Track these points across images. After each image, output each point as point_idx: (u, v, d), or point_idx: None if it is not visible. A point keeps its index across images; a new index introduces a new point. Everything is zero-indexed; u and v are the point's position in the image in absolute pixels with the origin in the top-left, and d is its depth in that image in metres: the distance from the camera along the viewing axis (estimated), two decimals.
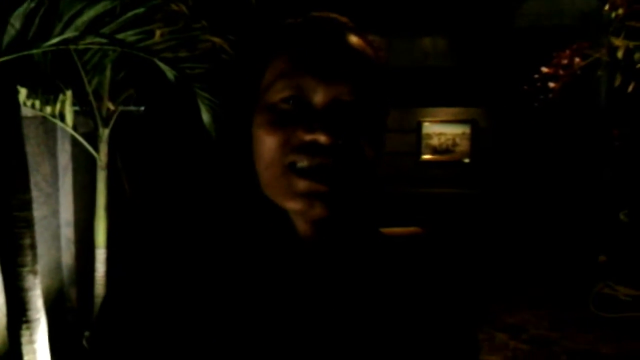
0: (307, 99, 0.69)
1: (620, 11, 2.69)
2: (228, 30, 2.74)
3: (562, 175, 6.50)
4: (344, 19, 0.76)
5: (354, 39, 0.73)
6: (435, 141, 8.30)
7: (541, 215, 6.86)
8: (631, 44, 2.68)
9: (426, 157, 8.28)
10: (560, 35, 4.22)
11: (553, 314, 5.04)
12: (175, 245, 0.77)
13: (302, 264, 0.74)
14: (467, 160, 8.17)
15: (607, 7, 2.77)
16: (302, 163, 0.68)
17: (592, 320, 4.70)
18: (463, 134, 8.22)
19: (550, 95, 3.18)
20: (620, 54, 2.75)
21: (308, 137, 0.67)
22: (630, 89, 2.94)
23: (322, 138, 0.66)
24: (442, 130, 8.29)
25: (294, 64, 0.69)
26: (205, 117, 2.67)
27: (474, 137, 8.15)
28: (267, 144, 0.70)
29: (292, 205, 0.70)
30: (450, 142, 8.29)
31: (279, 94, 0.69)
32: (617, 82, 2.97)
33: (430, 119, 8.25)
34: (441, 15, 7.04)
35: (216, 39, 2.68)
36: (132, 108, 3.72)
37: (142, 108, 3.90)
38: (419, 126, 8.26)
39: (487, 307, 4.96)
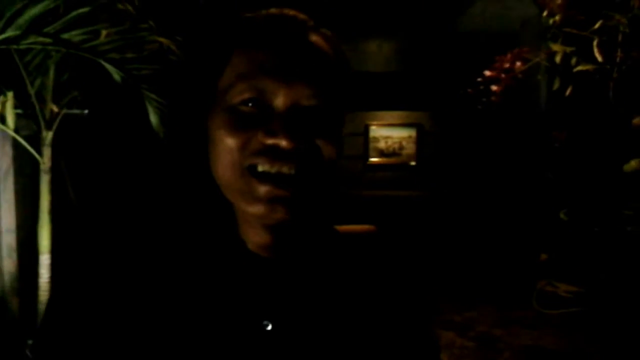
0: (268, 102, 0.68)
1: (557, 18, 2.80)
2: (175, 31, 2.72)
3: (505, 176, 6.68)
4: (304, 17, 0.75)
5: (315, 39, 0.73)
6: (382, 144, 8.38)
7: (485, 216, 7.04)
8: (568, 49, 2.79)
9: (373, 160, 8.35)
10: (503, 40, 4.34)
11: (498, 311, 5.18)
12: (121, 249, 0.76)
13: (256, 265, 0.75)
14: (413, 163, 8.28)
15: (545, 14, 2.87)
16: (263, 167, 0.68)
17: (535, 317, 4.86)
18: (409, 137, 8.32)
19: (493, 98, 3.27)
20: (558, 59, 2.85)
21: (269, 141, 0.67)
22: (567, 92, 3.05)
23: (283, 142, 0.66)
24: (388, 133, 8.36)
25: (254, 65, 0.68)
26: (153, 118, 2.64)
27: (420, 140, 8.27)
28: (227, 145, 0.69)
29: (253, 210, 0.70)
30: (396, 145, 8.38)
31: (239, 95, 0.68)
32: (556, 86, 3.08)
33: (377, 123, 8.32)
34: (386, 20, 7.13)
35: (163, 40, 2.66)
36: (76, 111, 3.64)
37: (87, 110, 3.82)
38: (366, 129, 8.32)
39: (438, 304, 5.05)
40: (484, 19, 6.43)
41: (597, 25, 2.61)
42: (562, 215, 3.19)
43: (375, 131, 8.33)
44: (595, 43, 2.63)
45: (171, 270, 0.74)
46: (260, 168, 0.68)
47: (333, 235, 0.84)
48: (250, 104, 0.68)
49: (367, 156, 8.34)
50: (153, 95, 2.59)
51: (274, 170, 0.67)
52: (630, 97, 2.61)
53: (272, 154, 0.67)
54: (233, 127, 0.68)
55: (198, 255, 0.75)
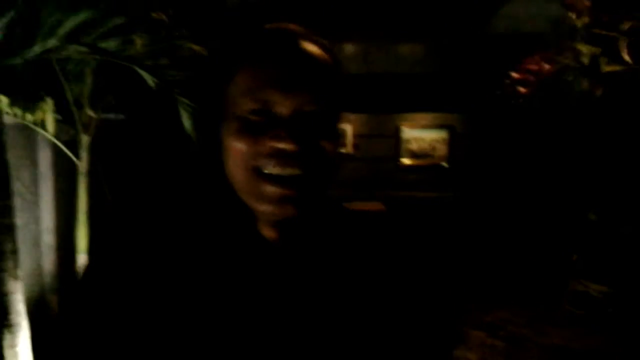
0: (273, 111, 0.75)
1: (585, 19, 2.80)
2: (208, 37, 2.80)
3: (536, 177, 6.63)
4: (300, 29, 0.82)
5: (311, 49, 0.79)
6: (414, 146, 8.38)
7: (516, 217, 6.99)
8: (596, 50, 2.79)
9: (405, 161, 8.35)
10: (536, 41, 4.32)
11: (529, 312, 5.16)
12: (150, 246, 0.83)
13: (269, 256, 0.81)
14: (445, 165, 8.26)
15: (573, 15, 2.87)
16: (272, 169, 0.75)
17: (565, 317, 4.83)
18: (441, 139, 8.31)
19: (520, 100, 3.27)
20: (586, 60, 2.85)
21: (277, 145, 0.74)
22: (598, 93, 3.04)
23: (289, 146, 0.73)
24: (420, 135, 8.36)
25: (258, 79, 0.75)
26: (187, 123, 2.71)
27: (452, 142, 8.25)
28: (237, 150, 0.76)
29: (263, 208, 0.77)
30: (428, 147, 8.37)
31: (246, 106, 0.75)
32: (585, 87, 3.07)
33: (409, 124, 8.32)
34: (418, 22, 7.13)
35: (196, 47, 2.74)
36: (112, 115, 3.76)
37: (122, 115, 3.93)
38: (397, 131, 8.33)
39: (462, 296, 5.05)
40: (516, 20, 6.39)
41: (626, 26, 2.61)
42: (591, 216, 3.18)
43: (407, 133, 8.34)
44: (623, 44, 2.63)
45: (198, 259, 0.81)
46: (268, 170, 0.75)
47: (342, 214, 0.90)
48: (256, 114, 0.75)
49: (399, 157, 8.35)
50: (186, 100, 2.67)
51: (282, 172, 0.74)
52: None
53: (279, 157, 0.74)
54: (242, 134, 0.76)
55: (221, 245, 0.82)
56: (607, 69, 2.75)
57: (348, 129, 8.29)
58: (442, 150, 8.30)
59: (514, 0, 5.94)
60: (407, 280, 0.87)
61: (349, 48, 7.88)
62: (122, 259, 0.83)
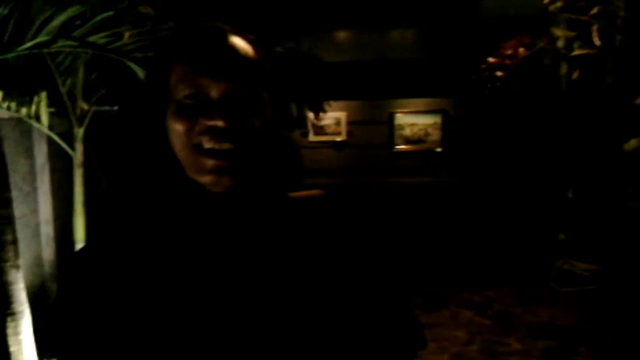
0: (205, 95, 0.88)
1: (559, 4, 2.89)
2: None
3: (525, 159, 6.73)
4: (227, 27, 0.95)
5: (237, 42, 0.92)
6: (407, 132, 8.46)
7: (508, 199, 7.10)
8: (570, 34, 2.88)
9: (399, 147, 8.43)
10: (524, 24, 4.39)
11: (516, 291, 5.30)
12: (121, 224, 0.98)
13: (218, 225, 0.94)
14: (438, 150, 8.35)
15: (547, 0, 2.96)
16: (208, 144, 0.87)
17: (552, 295, 4.96)
18: (434, 124, 8.38)
19: (498, 84, 3.36)
20: (560, 44, 2.95)
21: (209, 123, 0.86)
22: (575, 76, 3.12)
23: (219, 123, 0.86)
24: (414, 120, 8.44)
25: (192, 69, 0.89)
26: None
27: (445, 127, 8.33)
28: (178, 130, 0.89)
29: (204, 180, 0.89)
30: (422, 132, 8.45)
31: (183, 92, 0.88)
32: (563, 71, 3.17)
33: (402, 110, 8.40)
34: (408, 8, 7.18)
35: None
36: (105, 107, 3.83)
37: (116, 107, 4.01)
38: (391, 117, 8.41)
39: (407, 270, 5.16)
40: (505, 3, 6.45)
41: (594, 11, 2.70)
42: (569, 195, 3.28)
43: (401, 119, 8.42)
44: (594, 28, 2.72)
45: (162, 233, 0.94)
46: (205, 146, 0.87)
47: (285, 200, 1.03)
48: (192, 97, 0.88)
49: (393, 144, 8.43)
50: None
51: (216, 146, 0.87)
52: (630, 79, 2.69)
53: (212, 133, 0.87)
54: (180, 116, 0.89)
55: (179, 216, 0.95)
56: (578, 52, 2.85)
57: (342, 116, 8.37)
58: (435, 135, 8.38)
59: None
60: (344, 256, 1.00)
61: (341, 35, 7.93)
62: (100, 243, 0.96)
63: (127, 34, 2.66)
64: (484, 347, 4.15)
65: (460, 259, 6.46)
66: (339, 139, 8.42)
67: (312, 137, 8.30)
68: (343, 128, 8.42)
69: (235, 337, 0.89)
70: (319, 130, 8.29)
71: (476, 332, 4.39)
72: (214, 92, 0.88)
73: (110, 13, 2.61)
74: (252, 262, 0.92)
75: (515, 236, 6.39)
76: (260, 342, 0.90)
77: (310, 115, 6.30)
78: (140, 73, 2.76)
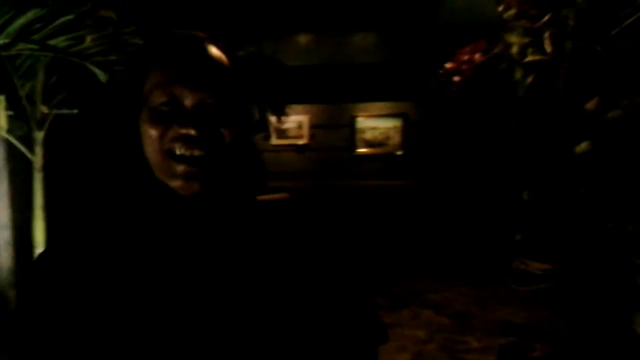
0: (180, 103, 0.91)
1: (513, 11, 2.99)
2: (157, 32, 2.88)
3: (482, 162, 6.87)
4: (203, 35, 0.98)
5: (212, 52, 0.95)
6: (368, 135, 8.50)
7: (466, 201, 7.24)
8: (523, 41, 2.99)
9: (360, 150, 8.48)
10: (483, 30, 4.50)
11: (474, 290, 5.42)
12: (85, 227, 1.00)
13: (186, 229, 0.97)
14: (399, 153, 8.41)
15: (501, 8, 3.07)
16: (179, 151, 0.91)
17: (509, 294, 5.10)
18: (395, 127, 8.44)
19: (455, 89, 3.46)
20: (514, 50, 3.05)
21: (182, 131, 0.90)
22: (528, 81, 3.23)
23: (192, 131, 0.89)
24: (375, 124, 8.49)
25: (167, 77, 0.91)
26: None
27: (406, 130, 8.40)
28: (151, 136, 0.92)
29: (174, 184, 0.93)
30: (383, 136, 8.50)
31: (158, 99, 0.91)
32: (518, 76, 3.27)
33: (363, 114, 8.45)
34: (369, 12, 7.24)
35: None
36: (65, 111, 3.80)
37: (76, 110, 3.97)
38: (352, 121, 8.45)
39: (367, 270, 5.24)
40: (464, 10, 6.57)
41: (546, 19, 2.81)
42: (524, 196, 3.39)
43: (362, 122, 8.47)
44: (546, 35, 2.83)
45: (125, 233, 0.97)
46: (177, 152, 0.91)
47: (253, 203, 1.06)
48: (166, 105, 0.91)
49: (354, 147, 8.48)
50: None
51: (187, 153, 0.90)
52: (580, 85, 2.80)
53: (184, 140, 0.91)
54: (154, 122, 0.92)
55: (147, 218, 0.98)
56: (531, 58, 2.96)
57: (304, 119, 8.40)
58: (396, 138, 8.45)
59: None
60: (293, 250, 1.04)
61: (303, 39, 7.97)
62: (64, 248, 0.98)
63: (88, 38, 2.65)
64: (443, 345, 4.24)
65: (421, 260, 6.58)
66: (301, 142, 8.44)
67: (274, 141, 8.31)
68: (305, 131, 8.44)
69: (199, 339, 0.91)
70: (281, 133, 8.30)
71: (436, 331, 4.49)
72: (189, 101, 0.91)
73: (71, 16, 2.60)
74: (219, 265, 0.95)
75: (474, 237, 6.54)
76: (224, 343, 0.93)
77: (273, 118, 6.34)
78: (102, 77, 2.76)
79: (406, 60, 7.65)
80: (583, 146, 2.75)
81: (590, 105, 2.75)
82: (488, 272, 5.79)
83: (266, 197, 1.10)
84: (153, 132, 0.92)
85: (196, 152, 0.91)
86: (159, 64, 0.93)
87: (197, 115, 0.90)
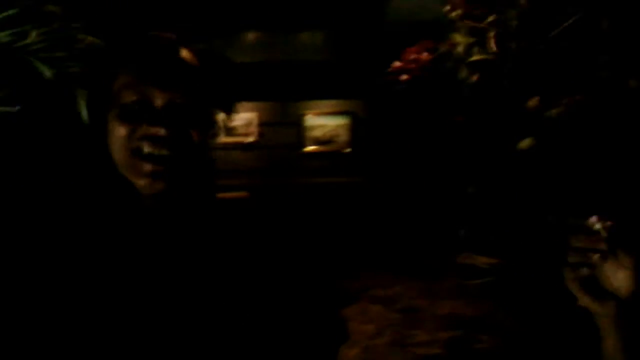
0: (150, 102, 0.93)
1: (459, 11, 3.08)
2: (104, 29, 2.83)
3: (428, 159, 6.98)
4: (173, 37, 1.00)
5: (184, 54, 0.98)
6: (317, 133, 8.53)
7: (414, 197, 7.35)
8: (469, 40, 3.07)
9: (309, 148, 8.50)
10: (431, 29, 4.57)
11: (423, 285, 5.53)
12: (48, 230, 0.97)
13: (147, 225, 0.98)
14: (348, 150, 8.47)
15: (447, 8, 3.15)
16: (147, 149, 0.92)
17: (457, 288, 5.22)
18: (343, 125, 8.50)
19: (402, 87, 3.53)
20: (460, 49, 3.14)
21: (151, 130, 0.91)
22: (474, 79, 3.32)
23: (161, 131, 0.91)
24: (323, 122, 8.53)
25: (138, 77, 0.93)
26: (84, 113, 2.75)
27: (354, 128, 8.47)
28: (119, 134, 0.93)
29: (140, 182, 0.94)
30: (331, 134, 8.54)
31: (128, 98, 0.93)
32: (464, 75, 3.35)
33: (311, 112, 8.47)
34: (317, 10, 7.26)
35: (92, 38, 2.77)
36: (7, 108, 3.68)
37: (18, 107, 3.86)
38: (301, 119, 8.47)
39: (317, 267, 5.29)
40: (411, 8, 6.64)
41: (490, 19, 2.90)
42: (470, 190, 3.48)
43: (310, 120, 8.49)
44: (491, 35, 2.92)
45: (86, 229, 0.97)
46: (145, 150, 0.92)
47: (212, 200, 1.08)
48: (136, 104, 0.92)
49: (303, 145, 8.49)
50: (83, 91, 2.69)
51: (155, 152, 0.92)
52: (523, 83, 2.90)
53: (152, 140, 0.92)
54: (123, 120, 0.93)
55: (107, 213, 0.98)
56: (476, 57, 3.05)
57: (253, 117, 8.36)
58: (344, 136, 8.51)
59: None
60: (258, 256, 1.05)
61: (252, 36, 7.93)
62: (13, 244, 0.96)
63: (33, 33, 2.59)
64: (392, 339, 4.31)
65: (370, 256, 6.65)
66: (249, 140, 8.41)
67: (222, 139, 8.21)
68: (254, 129, 8.41)
69: (153, 330, 0.93)
70: (230, 131, 8.21)
71: (385, 325, 4.56)
72: (159, 101, 0.92)
73: (14, 11, 2.53)
74: (178, 262, 0.96)
75: (422, 232, 6.65)
76: (175, 336, 0.93)
77: (222, 116, 6.28)
78: (48, 72, 2.69)
79: (354, 58, 7.69)
80: (526, 142, 2.85)
81: (532, 103, 2.86)
82: (436, 266, 5.91)
83: (228, 195, 1.11)
84: (122, 130, 0.92)
85: (163, 152, 0.92)
86: (132, 64, 0.94)
87: (167, 114, 0.92)
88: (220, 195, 1.11)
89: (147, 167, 0.92)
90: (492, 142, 3.20)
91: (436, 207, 6.58)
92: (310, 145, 8.50)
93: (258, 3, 6.94)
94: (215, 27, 6.64)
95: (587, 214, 0.88)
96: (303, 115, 8.45)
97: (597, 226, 0.89)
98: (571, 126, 2.68)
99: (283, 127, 8.43)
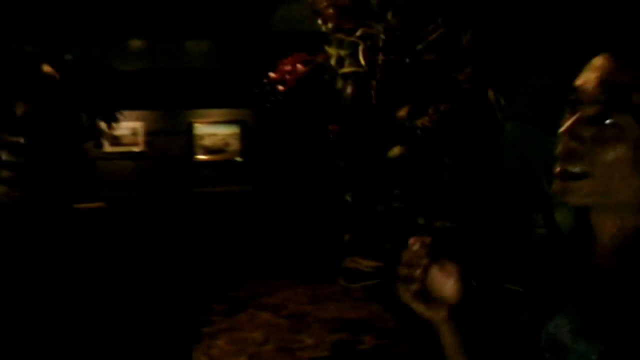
0: (11, 111, 0.96)
1: (330, 25, 3.18)
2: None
3: (313, 167, 7.10)
4: (37, 51, 1.03)
5: (42, 66, 1.01)
6: (207, 142, 8.48)
7: (300, 205, 7.46)
8: (342, 53, 3.19)
9: (199, 157, 8.43)
10: (311, 40, 4.67)
11: (309, 290, 5.64)
12: None
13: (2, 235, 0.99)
14: (238, 159, 8.47)
15: (320, 21, 3.25)
16: (5, 157, 0.94)
17: (341, 292, 5.35)
18: (234, 134, 8.50)
19: (280, 97, 3.61)
20: (333, 62, 3.25)
21: (11, 139, 0.94)
22: (348, 91, 3.42)
23: (20, 139, 0.94)
24: (213, 131, 8.49)
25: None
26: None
27: (244, 137, 8.48)
28: None
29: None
30: (222, 143, 8.52)
31: None
32: (339, 86, 3.45)
33: (201, 120, 8.41)
34: (202, 18, 7.22)
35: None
36: None
37: None
38: (190, 127, 8.39)
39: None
40: (295, 19, 6.74)
41: (359, 33, 3.02)
42: (347, 197, 3.59)
43: (200, 129, 8.43)
44: (360, 48, 3.04)
45: None
46: (3, 157, 0.94)
47: (69, 211, 1.10)
48: None
49: (193, 154, 8.40)
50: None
51: (14, 159, 0.95)
52: (392, 94, 3.04)
53: (12, 148, 0.94)
54: None
55: None
56: (347, 69, 3.17)
57: (139, 126, 8.17)
58: (235, 145, 8.51)
59: (290, 3, 6.29)
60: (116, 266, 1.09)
61: (136, 44, 7.75)
62: None
63: None
64: (279, 345, 4.38)
65: (260, 264, 6.68)
66: (136, 149, 8.21)
67: (107, 148, 7.96)
68: (140, 138, 8.22)
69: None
70: (115, 140, 7.98)
71: (272, 331, 4.62)
72: (19, 110, 0.95)
73: None
74: (33, 270, 0.97)
75: (309, 239, 6.76)
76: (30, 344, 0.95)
77: (103, 125, 6.09)
78: None
79: (242, 67, 7.70)
80: (395, 151, 2.99)
81: (401, 113, 3.00)
82: (322, 271, 6.03)
83: (83, 205, 1.13)
84: None
85: (22, 159, 0.94)
86: None
87: (26, 123, 0.95)
88: (77, 205, 1.13)
89: (4, 173, 0.94)
90: (366, 150, 3.33)
91: (322, 213, 6.71)
92: (201, 154, 8.43)
93: (143, 10, 6.81)
94: (97, 34, 6.46)
95: (442, 217, 0.95)
96: (192, 124, 8.37)
97: (415, 247, 0.95)
98: (436, 134, 2.84)
99: (172, 136, 8.31)
